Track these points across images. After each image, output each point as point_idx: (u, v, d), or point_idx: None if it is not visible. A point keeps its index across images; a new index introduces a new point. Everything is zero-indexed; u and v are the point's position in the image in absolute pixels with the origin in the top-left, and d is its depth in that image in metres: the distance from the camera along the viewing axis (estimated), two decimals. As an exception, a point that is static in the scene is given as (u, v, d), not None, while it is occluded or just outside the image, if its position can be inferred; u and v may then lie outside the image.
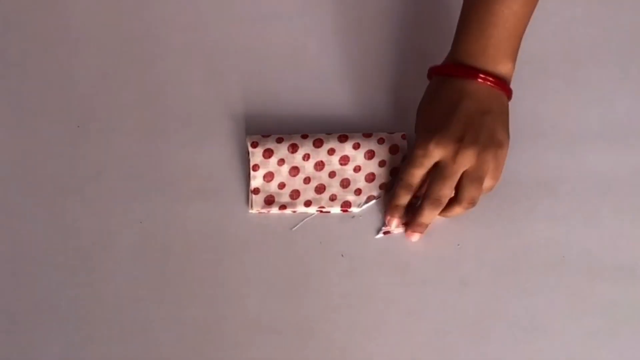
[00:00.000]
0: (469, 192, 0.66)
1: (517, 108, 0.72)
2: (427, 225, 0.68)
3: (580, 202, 0.70)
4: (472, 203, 0.67)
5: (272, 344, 0.66)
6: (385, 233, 0.69)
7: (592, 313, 0.67)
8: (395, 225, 0.69)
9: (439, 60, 0.69)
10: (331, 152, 0.71)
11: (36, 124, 0.70)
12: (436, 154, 0.66)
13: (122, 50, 0.72)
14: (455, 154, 0.65)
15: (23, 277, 0.67)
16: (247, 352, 0.66)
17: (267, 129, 0.72)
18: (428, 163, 0.66)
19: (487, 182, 0.67)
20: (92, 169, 0.70)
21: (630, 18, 0.75)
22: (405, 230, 0.69)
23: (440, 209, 0.67)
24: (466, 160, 0.65)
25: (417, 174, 0.67)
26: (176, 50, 0.74)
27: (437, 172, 0.66)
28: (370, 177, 0.70)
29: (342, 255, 0.69)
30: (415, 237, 0.69)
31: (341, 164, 0.71)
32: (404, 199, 0.68)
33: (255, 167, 0.70)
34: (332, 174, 0.71)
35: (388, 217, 0.69)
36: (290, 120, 0.73)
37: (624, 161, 0.71)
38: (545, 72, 0.73)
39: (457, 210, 0.67)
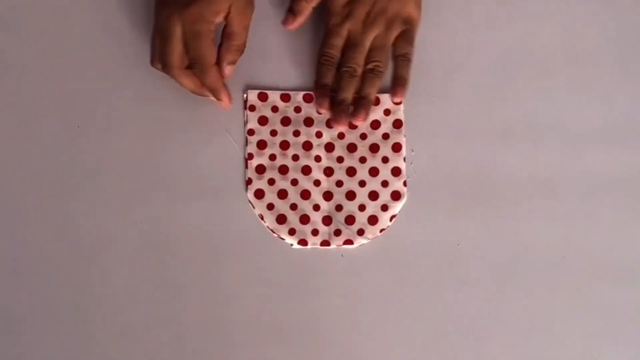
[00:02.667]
0: (373, 55, 0.70)
1: (517, 108, 0.72)
2: (348, 103, 0.70)
3: (580, 202, 0.70)
4: (377, 67, 0.70)
5: (272, 344, 0.66)
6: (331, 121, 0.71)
7: (592, 313, 0.68)
8: (326, 108, 0.70)
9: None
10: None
11: (36, 124, 0.70)
12: (348, 23, 0.70)
13: (122, 50, 0.72)
14: (364, 24, 0.70)
15: (23, 277, 0.67)
16: (247, 352, 0.66)
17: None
18: (342, 32, 0.70)
19: (403, 48, 0.71)
20: (92, 169, 0.70)
21: (630, 18, 0.75)
22: (333, 120, 0.70)
23: (356, 79, 0.70)
24: (374, 29, 0.70)
25: (335, 43, 0.70)
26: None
27: (348, 43, 0.71)
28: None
29: (342, 255, 0.69)
30: (341, 120, 0.70)
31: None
32: (328, 75, 0.71)
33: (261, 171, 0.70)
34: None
35: (319, 100, 0.71)
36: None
37: (624, 161, 0.71)
38: (545, 72, 0.73)
39: (367, 77, 0.70)
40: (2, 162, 0.69)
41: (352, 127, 0.71)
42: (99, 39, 0.72)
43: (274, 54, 0.73)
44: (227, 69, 0.68)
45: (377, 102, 0.72)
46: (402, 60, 0.71)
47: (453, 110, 0.72)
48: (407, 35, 0.71)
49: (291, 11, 0.71)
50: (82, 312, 0.67)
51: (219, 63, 0.67)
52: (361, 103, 0.70)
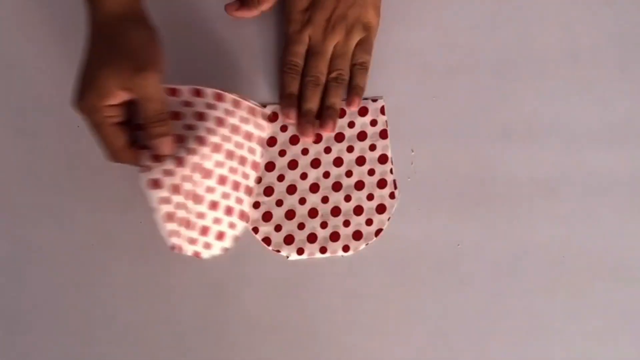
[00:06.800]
0: (336, 64, 0.70)
1: (517, 108, 0.72)
2: (313, 113, 0.70)
3: (580, 202, 0.70)
4: (341, 75, 0.70)
5: (272, 344, 0.66)
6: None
7: (592, 313, 0.67)
8: (293, 118, 0.70)
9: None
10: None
11: (36, 124, 0.70)
12: (308, 29, 0.70)
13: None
14: (324, 31, 0.70)
15: (23, 277, 0.67)
16: (247, 352, 0.66)
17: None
18: (304, 38, 0.71)
19: (362, 57, 0.71)
20: (92, 168, 0.70)
21: (630, 18, 0.75)
22: (299, 132, 0.70)
23: (320, 88, 0.70)
24: (335, 37, 0.70)
25: (298, 51, 0.71)
26: (176, 50, 0.73)
27: (310, 51, 0.71)
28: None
29: (342, 256, 0.69)
30: (307, 132, 0.70)
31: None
32: (294, 84, 0.70)
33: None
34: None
35: (285, 110, 0.70)
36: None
37: (624, 161, 0.71)
38: (545, 72, 0.73)
39: (331, 85, 0.70)
40: (2, 162, 0.69)
41: (318, 139, 0.71)
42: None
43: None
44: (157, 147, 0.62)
45: (343, 113, 0.71)
46: (359, 69, 0.71)
47: (453, 110, 0.72)
48: (365, 43, 0.71)
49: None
50: (82, 312, 0.67)
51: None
52: (327, 113, 0.70)
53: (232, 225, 0.68)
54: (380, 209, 0.69)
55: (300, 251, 0.68)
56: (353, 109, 0.71)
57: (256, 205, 0.70)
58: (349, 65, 0.71)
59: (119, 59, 0.58)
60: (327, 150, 0.71)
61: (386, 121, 0.71)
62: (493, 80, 0.73)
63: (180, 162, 0.62)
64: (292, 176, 0.70)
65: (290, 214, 0.69)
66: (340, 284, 0.68)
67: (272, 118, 0.71)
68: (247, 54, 0.73)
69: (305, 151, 0.71)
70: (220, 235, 0.67)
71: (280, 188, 0.70)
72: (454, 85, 0.72)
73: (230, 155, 0.66)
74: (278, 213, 0.69)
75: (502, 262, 0.68)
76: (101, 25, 0.60)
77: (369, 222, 0.69)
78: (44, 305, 0.67)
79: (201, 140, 0.63)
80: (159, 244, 0.68)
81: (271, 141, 0.71)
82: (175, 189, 0.62)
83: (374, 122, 0.71)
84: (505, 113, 0.72)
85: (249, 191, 0.69)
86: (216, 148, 0.64)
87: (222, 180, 0.66)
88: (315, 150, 0.71)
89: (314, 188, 0.70)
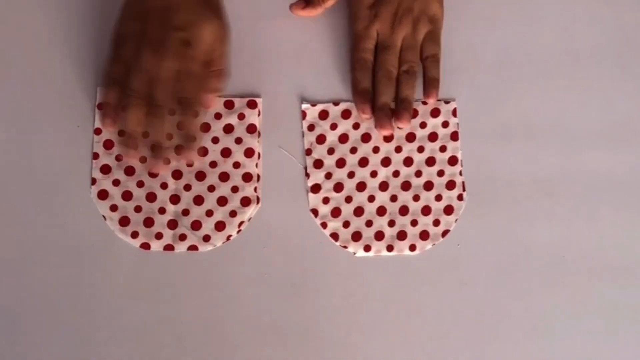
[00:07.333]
0: (406, 56, 0.70)
1: (517, 108, 0.72)
2: (389, 107, 0.70)
3: (580, 202, 0.70)
4: (412, 68, 0.70)
5: (272, 344, 0.66)
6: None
7: (592, 313, 0.68)
8: (370, 114, 0.70)
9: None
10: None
11: (36, 124, 0.70)
12: (376, 25, 0.70)
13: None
14: (392, 25, 0.70)
15: (23, 277, 0.67)
16: (247, 352, 0.66)
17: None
18: (372, 34, 0.71)
19: (432, 49, 0.71)
20: (92, 169, 0.70)
21: (630, 18, 0.75)
22: (377, 126, 0.70)
23: (393, 81, 0.70)
24: (402, 30, 0.70)
25: (367, 47, 0.71)
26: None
27: (379, 46, 0.71)
28: None
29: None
30: (386, 125, 0.69)
31: None
32: (366, 80, 0.70)
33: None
34: None
35: (361, 106, 0.70)
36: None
37: (624, 161, 0.71)
38: (545, 72, 0.73)
39: (403, 78, 0.70)
40: (2, 162, 0.69)
41: (390, 138, 0.70)
42: (100, 40, 0.72)
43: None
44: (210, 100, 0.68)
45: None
46: (431, 61, 0.71)
47: (453, 110, 0.72)
48: (432, 35, 0.71)
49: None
50: (82, 312, 0.67)
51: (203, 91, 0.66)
52: (403, 106, 0.69)
53: (233, 214, 0.68)
54: (448, 210, 0.69)
55: (367, 248, 0.68)
56: (432, 101, 0.70)
57: (325, 200, 0.69)
58: (418, 57, 0.71)
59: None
60: (398, 149, 0.71)
61: (457, 123, 0.71)
62: (493, 80, 0.73)
63: (130, 171, 0.68)
64: (362, 173, 0.70)
65: (358, 211, 0.69)
66: (340, 284, 0.68)
67: (344, 115, 0.71)
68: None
69: (376, 149, 0.71)
70: (219, 226, 0.68)
71: (350, 185, 0.70)
72: (454, 85, 0.72)
73: (203, 152, 0.69)
74: (347, 209, 0.69)
75: (502, 262, 0.69)
76: None
77: (436, 222, 0.69)
78: (44, 305, 0.67)
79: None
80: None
81: (343, 138, 0.71)
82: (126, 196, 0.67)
83: (445, 124, 0.71)
84: (505, 113, 0.72)
85: (248, 178, 0.69)
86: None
87: (200, 176, 0.69)
88: (386, 149, 0.71)
89: (383, 186, 0.70)
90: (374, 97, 0.70)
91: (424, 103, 0.71)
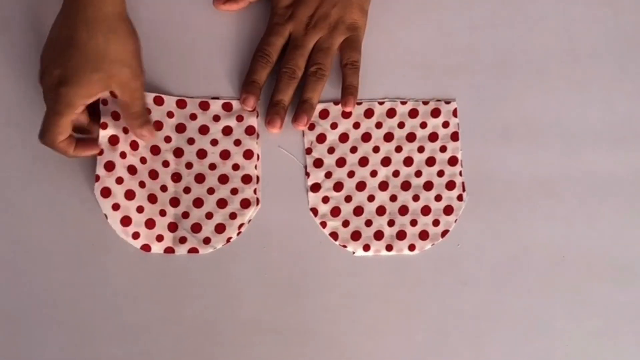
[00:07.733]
0: (316, 58, 0.69)
1: (517, 108, 0.72)
2: (284, 106, 0.69)
3: (580, 202, 0.70)
4: (320, 70, 0.69)
5: (272, 344, 0.66)
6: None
7: (592, 313, 0.68)
8: (251, 106, 0.69)
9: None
10: None
11: (36, 124, 0.70)
12: (290, 25, 0.69)
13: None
14: (306, 27, 0.69)
15: (23, 277, 0.67)
16: (247, 352, 0.66)
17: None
18: (283, 32, 0.69)
19: (351, 56, 0.69)
20: (92, 169, 0.70)
21: (630, 18, 0.75)
22: (266, 122, 0.69)
23: (295, 82, 0.69)
24: (316, 34, 0.69)
25: (274, 42, 0.69)
26: (176, 50, 0.74)
27: (290, 44, 0.70)
28: None
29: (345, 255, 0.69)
30: (275, 123, 0.69)
31: None
32: (260, 73, 0.69)
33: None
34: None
35: (243, 96, 0.69)
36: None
37: (624, 161, 0.71)
38: (545, 72, 0.73)
39: (310, 80, 0.69)
40: (2, 162, 0.69)
41: (388, 139, 0.70)
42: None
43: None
44: (143, 136, 0.66)
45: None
46: (350, 68, 0.70)
47: (453, 110, 0.72)
48: (353, 42, 0.70)
49: None
50: (82, 312, 0.67)
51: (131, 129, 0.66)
52: (303, 107, 0.69)
53: (233, 216, 0.68)
54: (448, 210, 0.69)
55: (366, 248, 0.68)
56: (348, 110, 0.70)
57: (325, 200, 0.69)
58: (330, 62, 0.70)
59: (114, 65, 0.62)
60: (398, 149, 0.71)
61: (458, 124, 0.71)
62: (493, 80, 0.73)
63: (132, 170, 0.67)
64: (362, 173, 0.70)
65: (358, 211, 0.69)
66: (340, 284, 0.68)
67: (345, 114, 0.71)
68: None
69: (376, 149, 0.71)
70: (219, 228, 0.68)
71: (349, 184, 0.70)
72: (454, 85, 0.72)
73: (202, 155, 0.69)
74: (346, 209, 0.69)
75: (502, 262, 0.69)
76: (97, 20, 0.62)
77: (435, 222, 0.69)
78: (44, 305, 0.67)
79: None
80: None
81: (343, 137, 0.71)
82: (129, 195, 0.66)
83: (445, 124, 0.71)
84: (505, 113, 0.72)
85: (247, 180, 0.69)
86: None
87: (200, 179, 0.69)
88: (386, 148, 0.71)
89: (383, 186, 0.70)
90: (273, 93, 0.69)
91: (336, 104, 0.71)
